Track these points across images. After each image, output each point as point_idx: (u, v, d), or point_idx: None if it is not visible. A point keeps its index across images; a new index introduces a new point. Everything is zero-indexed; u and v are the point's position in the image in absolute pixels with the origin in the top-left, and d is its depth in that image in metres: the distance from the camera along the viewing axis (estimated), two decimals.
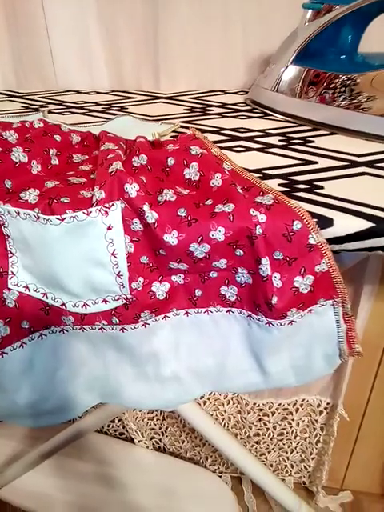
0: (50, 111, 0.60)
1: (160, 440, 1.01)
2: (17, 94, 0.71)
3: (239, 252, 0.34)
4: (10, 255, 0.37)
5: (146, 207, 0.34)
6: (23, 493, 0.88)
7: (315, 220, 0.33)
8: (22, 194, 0.35)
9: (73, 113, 0.60)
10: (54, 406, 0.41)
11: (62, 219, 0.33)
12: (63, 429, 0.74)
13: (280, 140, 0.49)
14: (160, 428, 1.00)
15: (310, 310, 0.36)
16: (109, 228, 0.34)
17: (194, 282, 0.38)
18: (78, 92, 0.72)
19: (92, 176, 0.39)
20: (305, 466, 0.97)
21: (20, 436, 0.98)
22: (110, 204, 0.34)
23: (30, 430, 0.99)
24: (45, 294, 0.38)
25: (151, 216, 0.34)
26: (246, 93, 0.67)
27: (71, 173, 0.39)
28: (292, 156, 0.44)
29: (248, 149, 0.46)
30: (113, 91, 0.72)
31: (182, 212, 0.34)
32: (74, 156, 0.43)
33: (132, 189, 0.34)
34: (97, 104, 0.64)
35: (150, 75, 0.72)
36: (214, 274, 0.37)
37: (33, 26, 0.70)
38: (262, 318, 0.36)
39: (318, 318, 0.37)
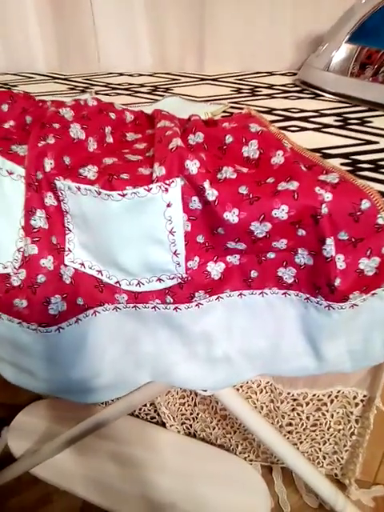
0: (96, 93, 0.60)
1: (191, 425, 1.01)
2: (61, 76, 0.72)
3: (301, 232, 0.33)
4: (67, 232, 0.37)
5: (206, 184, 0.33)
6: (52, 468, 0.89)
7: None
8: (81, 170, 0.35)
9: (119, 94, 0.60)
10: (106, 383, 0.41)
11: (123, 195, 0.33)
12: (93, 410, 0.75)
13: (336, 120, 0.47)
14: (191, 414, 1.00)
15: (373, 294, 0.35)
16: (168, 205, 0.34)
17: (250, 263, 0.37)
18: (120, 74, 0.72)
19: (147, 154, 0.38)
20: (337, 458, 0.95)
21: (52, 416, 1.00)
22: (171, 181, 0.33)
23: (62, 410, 1.01)
24: (100, 272, 0.38)
25: (212, 193, 0.33)
26: (294, 74, 0.65)
27: (127, 150, 0.39)
28: (351, 136, 0.43)
29: (303, 129, 0.45)
30: (156, 73, 0.72)
31: (243, 190, 0.33)
32: (127, 134, 0.42)
33: (193, 165, 0.33)
34: (141, 85, 0.64)
35: (194, 57, 0.71)
36: (271, 255, 0.36)
37: (78, 7, 0.70)
38: (321, 301, 0.35)
39: (381, 302, 0.35)
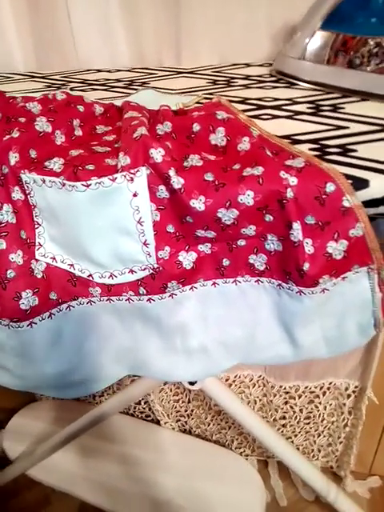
0: (72, 89, 0.60)
1: (186, 422, 1.01)
2: (39, 75, 0.71)
3: (269, 217, 0.33)
4: (36, 226, 0.37)
5: (171, 172, 0.33)
6: (49, 470, 0.89)
7: (349, 182, 0.32)
8: (46, 163, 0.35)
9: (94, 89, 0.60)
10: (82, 377, 0.41)
11: (88, 185, 0.33)
12: (88, 410, 0.75)
13: (308, 107, 0.47)
14: (186, 410, 1.00)
15: (344, 278, 0.35)
16: (134, 195, 0.34)
17: (221, 251, 0.37)
18: (98, 70, 0.72)
19: (116, 145, 0.38)
20: (332, 451, 0.95)
21: (47, 417, 0.99)
22: (136, 170, 0.33)
23: (56, 411, 1.01)
24: (72, 265, 0.38)
25: (177, 181, 0.33)
26: (271, 65, 0.65)
27: (95, 143, 0.39)
28: (322, 122, 0.43)
29: (275, 116, 0.45)
30: (134, 68, 0.72)
31: (208, 176, 0.33)
32: (97, 127, 0.42)
33: (157, 154, 0.33)
34: (118, 80, 0.64)
35: (171, 51, 0.71)
36: (242, 242, 0.36)
37: (53, 5, 0.69)
38: (292, 287, 0.35)
39: (352, 286, 0.35)
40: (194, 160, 0.34)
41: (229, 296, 0.39)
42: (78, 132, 0.40)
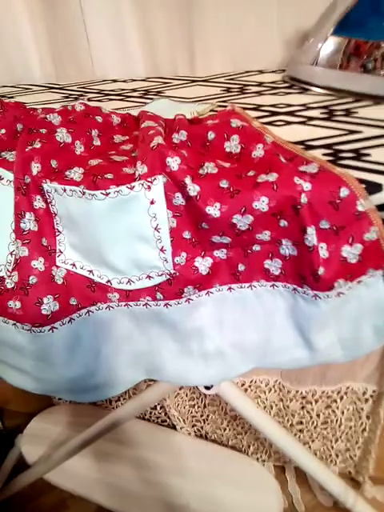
0: (89, 99, 0.61)
1: (201, 427, 1.01)
2: (57, 86, 0.73)
3: (283, 223, 0.34)
4: (57, 233, 0.38)
5: (187, 180, 0.34)
6: (66, 475, 0.90)
7: (363, 186, 0.32)
8: (67, 173, 0.36)
9: (111, 99, 0.61)
10: (100, 382, 0.42)
11: (107, 194, 0.34)
12: (105, 415, 0.76)
13: (322, 113, 0.47)
14: (201, 416, 1.00)
15: (359, 282, 0.35)
16: (151, 202, 0.34)
17: (236, 257, 0.38)
18: (114, 81, 0.73)
19: (133, 154, 0.39)
20: (350, 456, 0.94)
21: (64, 422, 1.00)
22: (153, 178, 0.34)
23: (74, 416, 1.02)
24: (91, 271, 0.39)
25: (193, 189, 0.34)
26: (284, 71, 0.65)
27: (113, 152, 0.40)
28: (335, 127, 0.43)
29: (288, 123, 0.45)
30: (148, 78, 0.73)
31: (224, 184, 0.34)
32: (114, 137, 0.43)
33: (173, 162, 0.34)
34: (134, 90, 0.65)
35: (185, 60, 0.72)
36: (257, 248, 0.37)
37: (70, 18, 0.71)
38: (308, 291, 0.36)
39: (367, 290, 0.35)
40: (210, 168, 0.35)
41: (244, 301, 0.39)
42: (97, 142, 0.41)
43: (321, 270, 0.33)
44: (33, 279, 0.37)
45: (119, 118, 0.45)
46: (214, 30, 0.69)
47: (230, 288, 0.39)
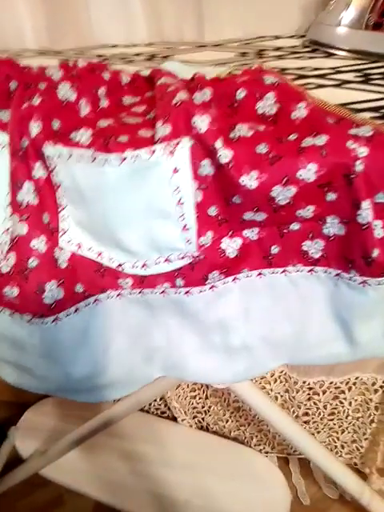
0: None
1: (203, 419, 0.98)
2: (52, 51, 0.66)
3: (331, 196, 0.29)
4: (60, 209, 0.32)
5: (218, 144, 0.28)
6: (62, 469, 0.86)
7: None
8: (72, 135, 0.30)
9: (113, 64, 0.55)
10: (111, 380, 0.37)
11: (123, 159, 0.28)
12: (103, 407, 0.71)
13: (356, 76, 0.42)
14: (203, 407, 0.96)
15: None
16: (174, 171, 0.29)
17: (270, 237, 0.32)
18: (114, 46, 0.67)
19: (148, 116, 0.33)
20: (356, 447, 0.92)
21: (60, 414, 0.96)
22: (177, 141, 0.28)
23: (70, 408, 0.98)
24: (100, 254, 0.33)
25: (225, 154, 0.28)
26: (302, 36, 0.59)
27: (124, 114, 0.34)
28: (377, 91, 0.38)
29: (321, 86, 0.40)
30: (152, 43, 0.67)
31: (261, 148, 0.28)
32: (123, 98, 0.37)
33: (202, 122, 0.28)
34: (137, 55, 0.59)
35: (192, 24, 0.66)
36: (295, 227, 0.32)
37: None
38: (354, 277, 0.31)
39: None
40: (243, 130, 0.29)
41: (276, 288, 0.34)
42: (104, 102, 0.35)
43: (375, 252, 0.28)
44: (33, 262, 0.32)
45: (129, 77, 0.38)
46: None
47: (260, 274, 0.34)
